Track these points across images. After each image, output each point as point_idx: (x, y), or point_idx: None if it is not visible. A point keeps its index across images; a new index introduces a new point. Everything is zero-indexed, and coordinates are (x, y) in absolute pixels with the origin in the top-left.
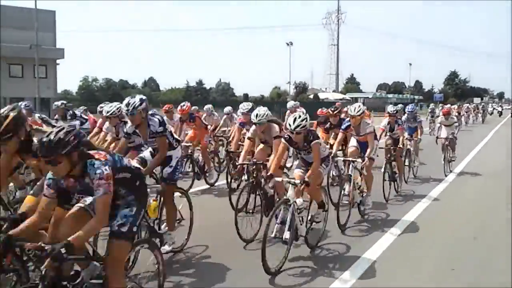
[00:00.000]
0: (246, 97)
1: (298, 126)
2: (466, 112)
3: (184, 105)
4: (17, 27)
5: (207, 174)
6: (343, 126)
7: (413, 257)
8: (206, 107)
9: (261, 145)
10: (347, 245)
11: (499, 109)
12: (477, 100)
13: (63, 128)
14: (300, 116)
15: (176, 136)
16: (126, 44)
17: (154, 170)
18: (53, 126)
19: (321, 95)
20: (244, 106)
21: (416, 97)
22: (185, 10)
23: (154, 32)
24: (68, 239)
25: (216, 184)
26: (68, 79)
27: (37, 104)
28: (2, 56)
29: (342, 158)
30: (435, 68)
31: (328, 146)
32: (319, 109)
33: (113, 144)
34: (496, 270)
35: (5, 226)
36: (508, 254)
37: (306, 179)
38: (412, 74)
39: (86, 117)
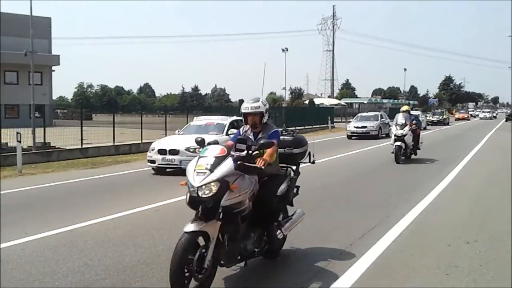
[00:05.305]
0: (241, 103)
1: None
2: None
3: None
4: (12, 33)
5: None
6: None
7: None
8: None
9: None
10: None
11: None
12: (471, 104)
13: None
14: None
15: None
16: (121, 50)
17: None
18: None
19: (317, 101)
20: None
21: (411, 102)
22: (180, 18)
23: (149, 38)
24: None
25: None
26: (63, 85)
27: (32, 111)
28: None
29: None
30: (430, 73)
31: None
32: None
33: None
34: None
35: None
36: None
37: None
38: (408, 79)
39: None
